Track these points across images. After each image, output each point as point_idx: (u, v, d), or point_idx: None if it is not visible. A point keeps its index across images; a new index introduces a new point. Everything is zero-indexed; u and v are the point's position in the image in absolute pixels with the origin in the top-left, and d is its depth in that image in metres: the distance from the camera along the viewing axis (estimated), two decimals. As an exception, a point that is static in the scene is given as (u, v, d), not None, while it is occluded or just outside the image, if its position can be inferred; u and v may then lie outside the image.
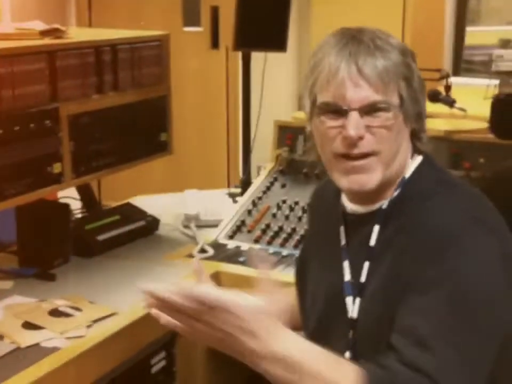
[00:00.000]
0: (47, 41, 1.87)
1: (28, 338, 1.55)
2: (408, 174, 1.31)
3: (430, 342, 1.14)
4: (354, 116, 1.22)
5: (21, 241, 1.96)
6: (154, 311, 1.17)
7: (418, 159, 1.33)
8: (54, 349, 1.52)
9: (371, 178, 1.26)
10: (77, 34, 1.98)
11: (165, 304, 1.13)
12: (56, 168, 1.87)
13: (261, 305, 1.14)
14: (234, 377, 2.18)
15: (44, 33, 1.89)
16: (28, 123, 1.76)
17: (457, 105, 2.46)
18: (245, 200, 2.26)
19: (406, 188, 1.30)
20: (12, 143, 1.73)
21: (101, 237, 2.06)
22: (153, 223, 2.23)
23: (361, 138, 1.23)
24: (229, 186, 3.07)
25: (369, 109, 1.23)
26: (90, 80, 1.94)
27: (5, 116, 1.70)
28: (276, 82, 3.42)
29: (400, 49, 1.26)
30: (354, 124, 1.23)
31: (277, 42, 2.43)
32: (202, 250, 2.04)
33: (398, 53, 1.25)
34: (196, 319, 1.12)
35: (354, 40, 1.25)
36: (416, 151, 1.33)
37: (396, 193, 1.30)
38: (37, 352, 1.51)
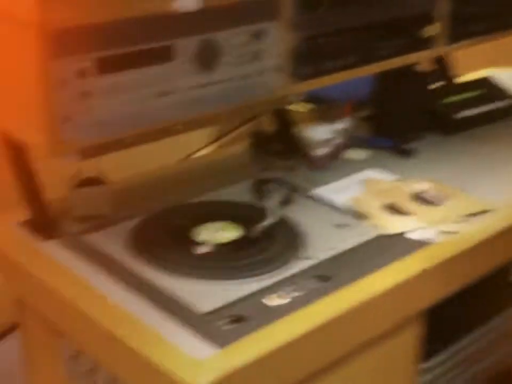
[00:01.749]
0: None
1: (395, 224, 1.35)
2: None
3: None
4: None
5: (377, 107, 1.77)
6: None
7: None
8: (421, 243, 1.31)
9: None
10: None
11: None
12: (429, 31, 1.62)
13: None
14: None
15: None
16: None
17: None
18: None
19: None
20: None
21: (458, 114, 1.81)
22: (513, 105, 1.93)
23: None
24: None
25: None
26: None
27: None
28: None
29: None
30: None
31: None
32: None
33: None
34: None
35: None
36: None
37: None
38: (402, 243, 1.31)
